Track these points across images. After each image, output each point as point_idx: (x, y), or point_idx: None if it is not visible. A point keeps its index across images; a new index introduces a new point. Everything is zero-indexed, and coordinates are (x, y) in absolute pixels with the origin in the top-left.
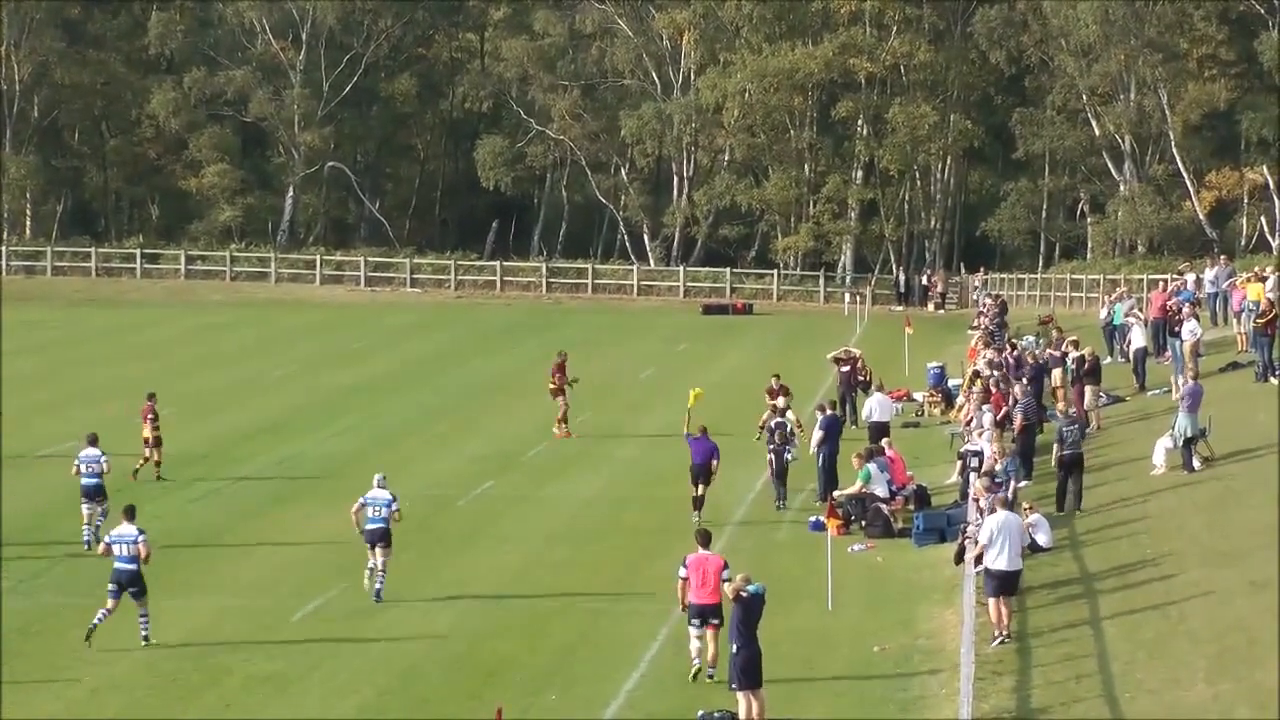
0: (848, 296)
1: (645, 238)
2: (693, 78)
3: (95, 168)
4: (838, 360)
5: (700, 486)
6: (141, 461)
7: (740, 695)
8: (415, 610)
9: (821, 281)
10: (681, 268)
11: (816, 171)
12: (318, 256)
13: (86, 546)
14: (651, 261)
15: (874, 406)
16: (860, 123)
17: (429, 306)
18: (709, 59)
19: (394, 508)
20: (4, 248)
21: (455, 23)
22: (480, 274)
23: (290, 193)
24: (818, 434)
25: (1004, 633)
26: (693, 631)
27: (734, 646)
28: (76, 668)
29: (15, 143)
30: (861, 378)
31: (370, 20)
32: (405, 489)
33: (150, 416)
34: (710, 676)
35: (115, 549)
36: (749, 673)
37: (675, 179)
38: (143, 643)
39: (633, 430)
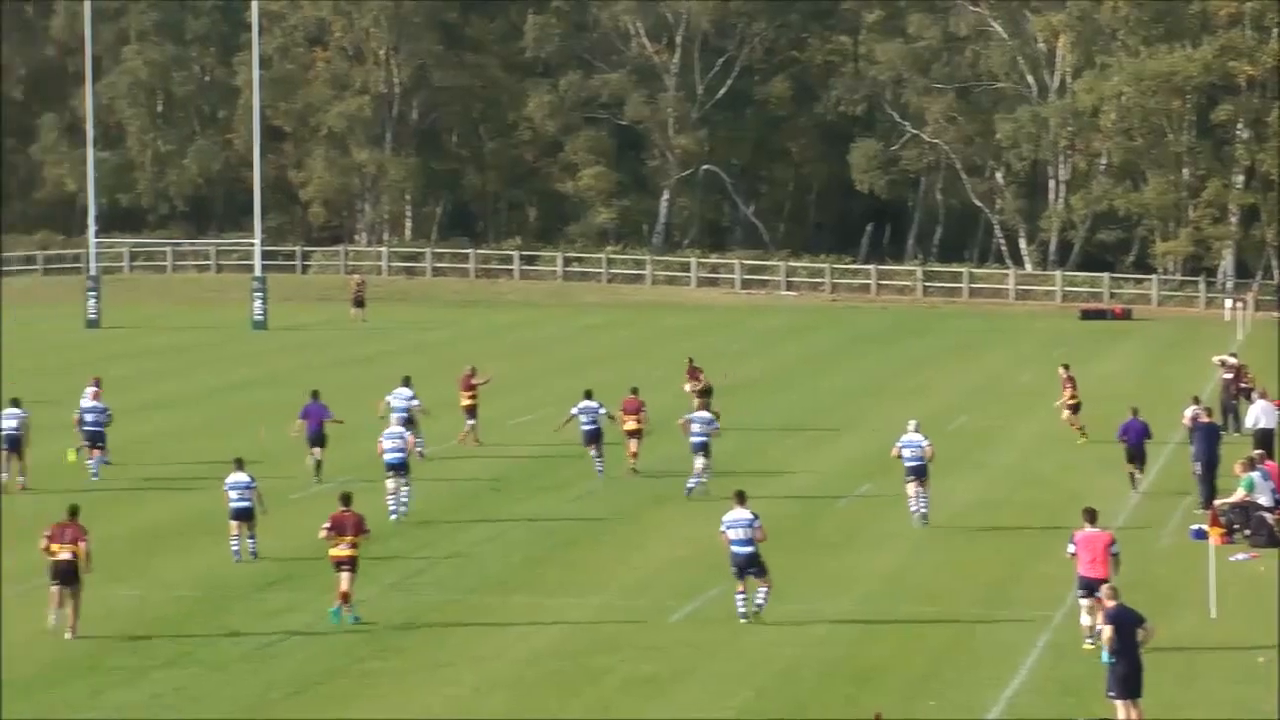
0: (1229, 303)
1: (1021, 241)
2: (1068, 81)
3: (473, 170)
4: (1223, 363)
5: (1136, 465)
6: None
7: (1119, 703)
8: (792, 613)
9: (1202, 287)
10: (1059, 272)
11: (1195, 175)
12: (693, 259)
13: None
14: (1028, 265)
15: (1259, 414)
16: (1240, 126)
17: (803, 310)
18: (1085, 62)
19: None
20: (385, 249)
21: (828, 25)
22: (855, 277)
23: (665, 195)
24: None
25: None
26: (1083, 604)
27: (1113, 657)
28: (459, 665)
29: (396, 145)
30: (1244, 385)
31: (744, 23)
32: (782, 490)
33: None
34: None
35: (730, 533)
36: (1129, 683)
37: (1051, 183)
38: (755, 614)
39: (1011, 434)
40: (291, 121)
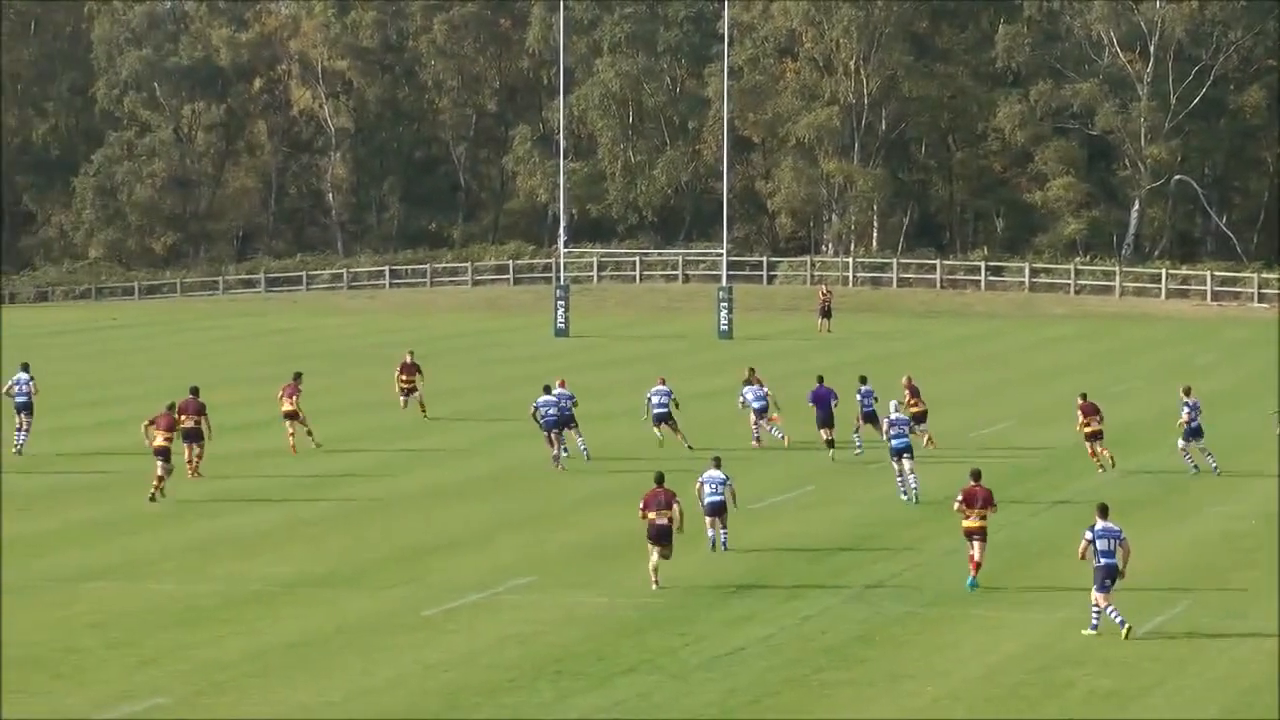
0: None
1: None
2: None
3: (941, 180)
4: None
5: None
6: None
7: None
8: (1258, 628)
9: None
10: None
11: None
12: (1163, 270)
13: None
14: None
15: None
16: None
17: (1276, 322)
18: None
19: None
20: (851, 259)
21: None
22: None
23: (1135, 206)
24: None
25: None
26: None
27: None
28: (919, 677)
29: (863, 155)
30: None
31: (1220, 31)
32: (1246, 508)
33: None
34: None
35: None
36: None
37: None
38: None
39: None
40: (760, 132)
